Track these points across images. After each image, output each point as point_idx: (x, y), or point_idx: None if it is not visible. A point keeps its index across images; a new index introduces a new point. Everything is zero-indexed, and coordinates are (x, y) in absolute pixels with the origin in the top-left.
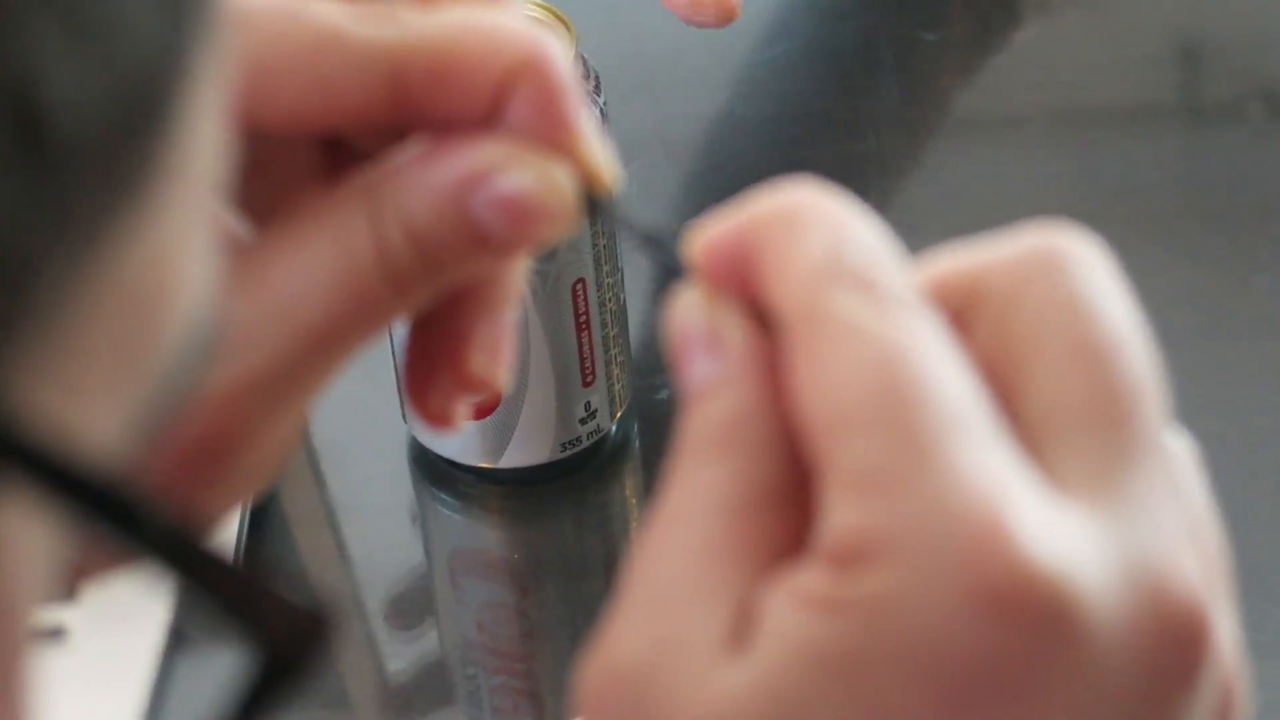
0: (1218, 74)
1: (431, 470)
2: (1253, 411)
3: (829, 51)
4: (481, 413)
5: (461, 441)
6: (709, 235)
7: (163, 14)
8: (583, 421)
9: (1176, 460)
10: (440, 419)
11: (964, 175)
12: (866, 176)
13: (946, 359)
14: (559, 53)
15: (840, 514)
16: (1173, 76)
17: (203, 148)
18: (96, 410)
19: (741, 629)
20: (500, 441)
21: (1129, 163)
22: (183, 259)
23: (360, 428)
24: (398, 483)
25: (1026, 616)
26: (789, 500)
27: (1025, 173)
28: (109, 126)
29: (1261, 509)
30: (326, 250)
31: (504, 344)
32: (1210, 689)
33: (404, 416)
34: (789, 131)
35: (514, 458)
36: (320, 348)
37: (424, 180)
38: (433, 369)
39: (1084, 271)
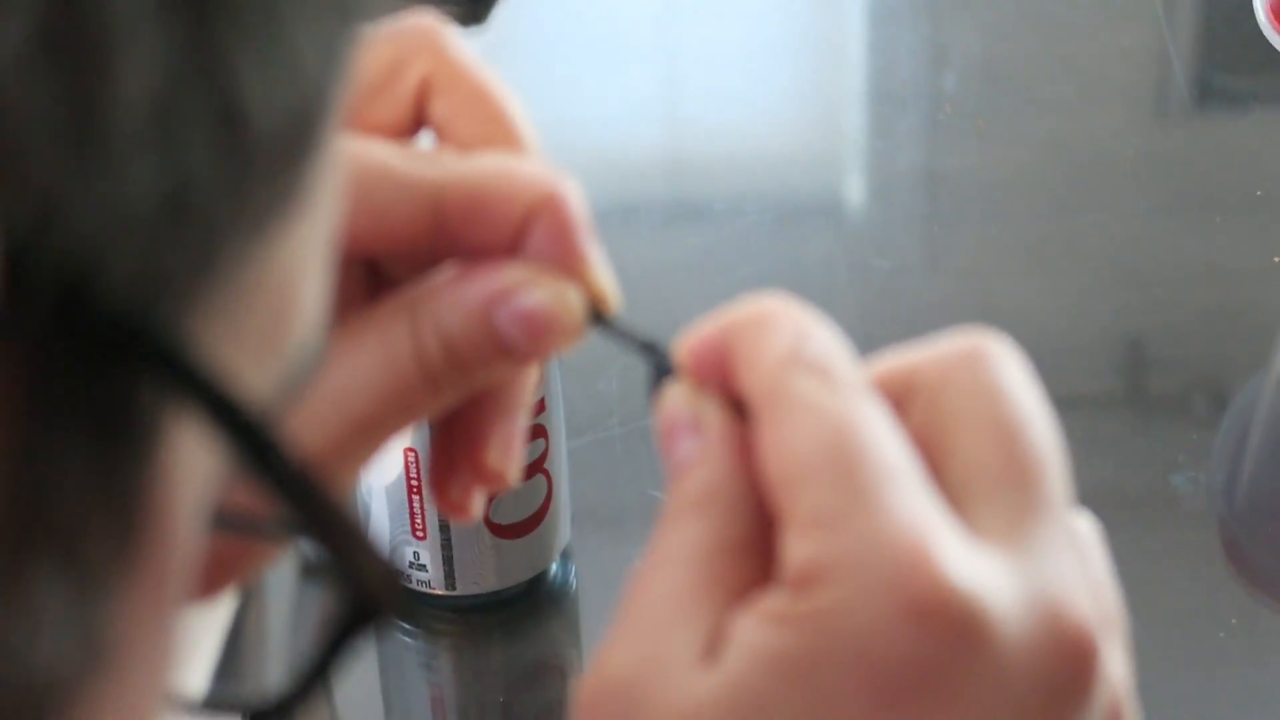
0: (1162, 366)
1: None
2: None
3: None
4: None
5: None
6: (692, 339)
7: (321, 59)
8: (411, 567)
9: (1078, 527)
10: (458, 508)
11: None
12: None
13: (886, 429)
14: (573, 192)
15: (796, 548)
16: (1120, 368)
17: (329, 189)
18: (248, 377)
19: (714, 646)
20: None
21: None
22: (307, 280)
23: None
24: None
25: (946, 626)
26: (757, 551)
27: None
28: (285, 134)
29: None
30: (374, 353)
31: (516, 443)
32: (1100, 708)
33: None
34: None
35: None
36: (365, 433)
37: (457, 297)
38: (454, 463)
39: (1000, 365)
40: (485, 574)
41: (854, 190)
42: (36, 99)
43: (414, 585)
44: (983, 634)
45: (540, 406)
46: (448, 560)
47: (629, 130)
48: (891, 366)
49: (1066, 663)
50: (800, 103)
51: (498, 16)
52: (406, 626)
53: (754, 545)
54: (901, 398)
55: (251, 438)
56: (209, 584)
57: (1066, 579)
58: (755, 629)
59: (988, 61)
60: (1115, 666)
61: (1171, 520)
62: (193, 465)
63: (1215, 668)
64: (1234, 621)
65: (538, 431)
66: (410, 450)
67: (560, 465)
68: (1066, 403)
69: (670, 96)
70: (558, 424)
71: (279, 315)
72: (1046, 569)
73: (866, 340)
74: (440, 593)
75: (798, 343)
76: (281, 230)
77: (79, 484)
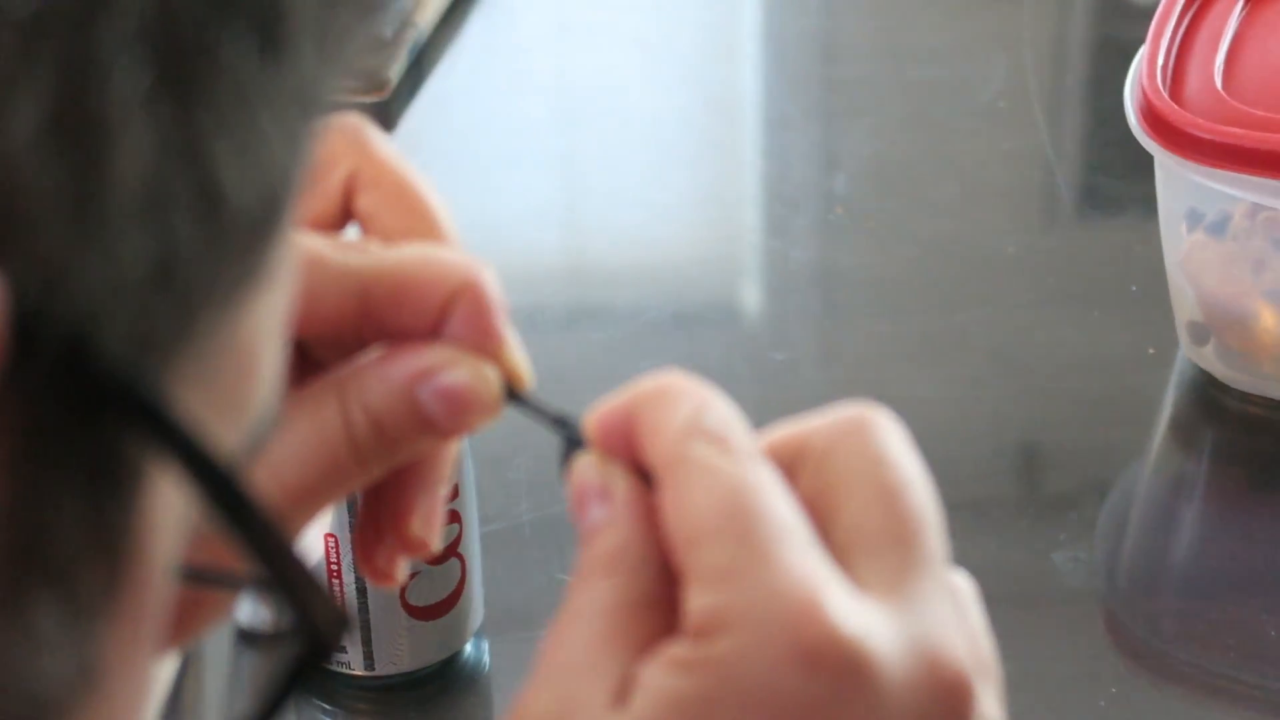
0: (1047, 452)
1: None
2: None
3: None
4: None
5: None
6: (600, 412)
7: (287, 147)
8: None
9: (955, 583)
10: (383, 575)
11: None
12: None
13: (778, 492)
14: (491, 279)
15: (697, 600)
16: (1006, 453)
17: (288, 265)
18: (218, 432)
19: (624, 691)
20: None
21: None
22: (268, 346)
23: None
24: None
25: (834, 668)
26: (662, 606)
27: None
28: (256, 212)
29: None
30: (306, 429)
31: (438, 512)
32: None
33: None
34: None
35: None
36: (298, 504)
37: (383, 376)
38: (379, 533)
39: (882, 433)
40: (402, 654)
41: (750, 288)
42: (46, 178)
43: (335, 666)
44: (867, 676)
45: (454, 493)
46: (366, 641)
47: (530, 234)
48: (783, 435)
49: (943, 703)
50: (697, 205)
51: (403, 122)
52: (325, 705)
53: (660, 601)
54: (792, 464)
55: (221, 485)
56: (169, 635)
57: (944, 628)
58: (660, 674)
59: (878, 164)
60: (990, 709)
61: (1054, 597)
62: (171, 509)
63: None
64: (1113, 690)
65: (452, 516)
66: (330, 536)
67: (473, 549)
68: (954, 485)
69: (570, 201)
70: (471, 510)
71: (244, 377)
72: (926, 618)
73: (763, 426)
74: (359, 673)
75: (697, 413)
76: (250, 299)
77: (72, 523)
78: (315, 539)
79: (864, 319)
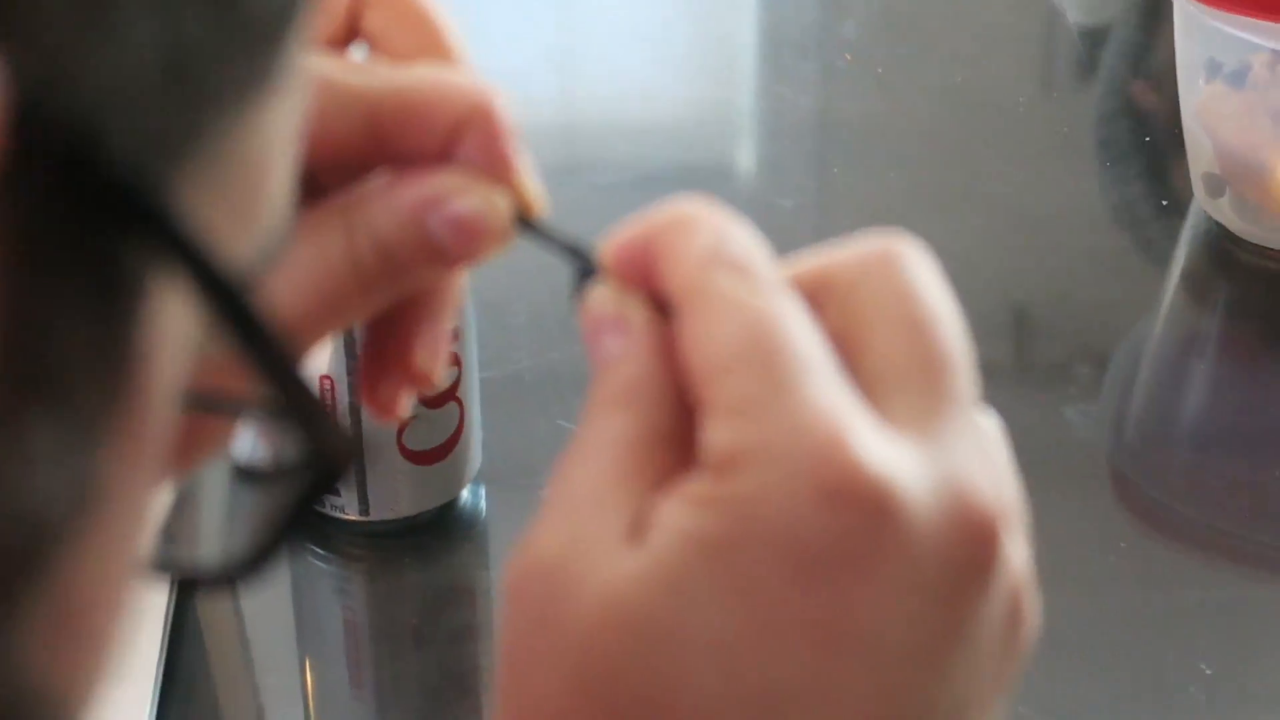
0: (1056, 306)
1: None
2: None
3: None
4: None
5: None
6: (616, 241)
7: None
8: None
9: (982, 423)
10: (387, 408)
11: None
12: None
13: (803, 323)
14: (503, 103)
15: (717, 435)
16: (1015, 307)
17: (301, 74)
18: (228, 244)
19: (639, 528)
20: None
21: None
22: (278, 158)
23: None
24: None
25: (859, 506)
26: (679, 443)
27: None
28: (270, 12)
29: None
30: (309, 256)
31: (443, 345)
32: (1002, 591)
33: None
34: None
35: None
36: (300, 333)
37: (390, 202)
38: (383, 365)
39: (912, 265)
40: (399, 500)
41: (753, 137)
42: None
43: (328, 510)
44: (894, 514)
45: (455, 335)
46: (361, 485)
47: (525, 85)
48: (808, 267)
49: (971, 543)
50: (701, 53)
51: None
52: (320, 551)
53: (676, 436)
54: (817, 296)
55: (229, 299)
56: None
57: (972, 467)
58: (678, 511)
59: (887, 11)
60: (1017, 553)
61: (1064, 452)
62: (176, 325)
63: (1106, 588)
64: (1122, 545)
65: (452, 359)
66: (326, 377)
67: (472, 393)
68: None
69: (569, 45)
70: (471, 353)
71: (255, 188)
72: (954, 457)
73: None
74: (354, 518)
75: (718, 242)
76: (261, 106)
77: (71, 335)
78: (311, 377)
79: (871, 168)
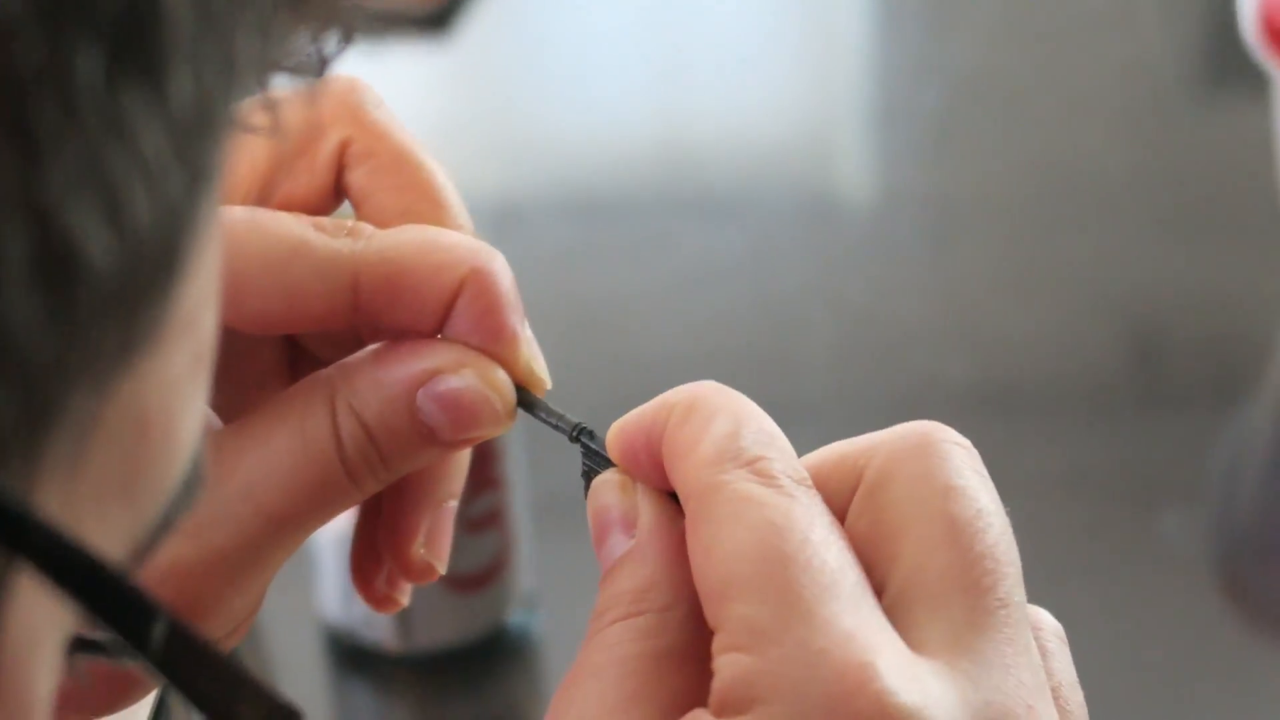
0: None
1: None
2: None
3: None
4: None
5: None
6: (624, 427)
7: (180, 187)
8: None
9: (1036, 628)
10: (383, 602)
11: None
12: None
13: (825, 531)
14: (501, 267)
15: (728, 667)
16: (1128, 362)
17: (203, 310)
18: (106, 523)
19: None
20: None
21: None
22: (183, 408)
23: (274, 612)
24: (311, 667)
25: None
26: (693, 658)
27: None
28: (131, 275)
29: None
30: (288, 439)
31: (444, 533)
32: None
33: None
34: None
35: None
36: (281, 529)
37: (377, 378)
38: (378, 555)
39: (951, 456)
40: (441, 628)
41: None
42: None
43: (367, 642)
44: None
45: (490, 456)
46: (401, 613)
47: (624, 124)
48: (833, 455)
49: None
50: (794, 102)
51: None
52: (361, 684)
53: (689, 651)
54: (844, 490)
55: (103, 592)
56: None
57: (1013, 695)
58: None
59: (975, 77)
60: None
61: (1162, 559)
62: (44, 615)
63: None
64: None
65: (490, 483)
66: None
67: (516, 514)
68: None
69: (666, 97)
70: (515, 470)
71: (148, 450)
72: (995, 683)
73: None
74: (395, 649)
75: (733, 433)
76: (129, 375)
77: None
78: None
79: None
